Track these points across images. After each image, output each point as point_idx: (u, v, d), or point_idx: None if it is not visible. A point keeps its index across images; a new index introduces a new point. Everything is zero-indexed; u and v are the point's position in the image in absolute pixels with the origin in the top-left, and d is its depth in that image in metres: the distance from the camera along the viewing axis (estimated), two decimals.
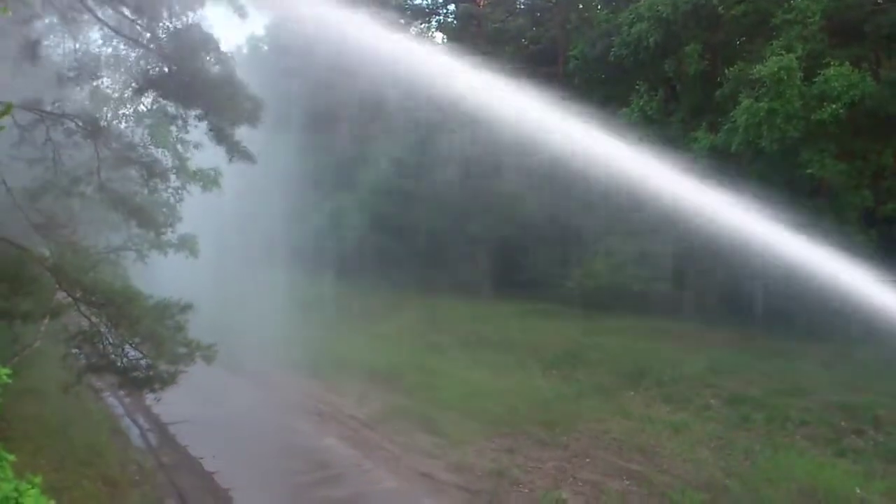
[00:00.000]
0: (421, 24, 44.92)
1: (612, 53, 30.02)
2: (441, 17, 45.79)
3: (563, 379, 24.01)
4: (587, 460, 17.03)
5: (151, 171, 17.40)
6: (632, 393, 21.81)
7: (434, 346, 28.58)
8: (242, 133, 15.42)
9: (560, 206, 30.32)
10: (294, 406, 23.10)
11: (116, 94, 23.11)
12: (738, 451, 17.02)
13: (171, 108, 17.63)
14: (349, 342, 29.73)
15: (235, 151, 15.54)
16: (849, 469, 15.57)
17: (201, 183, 23.71)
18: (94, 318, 14.70)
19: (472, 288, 36.71)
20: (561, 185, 29.70)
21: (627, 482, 15.70)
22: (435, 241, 37.18)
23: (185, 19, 18.52)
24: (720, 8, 27.90)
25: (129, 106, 23.31)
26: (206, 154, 21.52)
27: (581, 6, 39.47)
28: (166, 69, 14.83)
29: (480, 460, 17.23)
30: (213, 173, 23.76)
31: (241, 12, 14.56)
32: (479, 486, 15.86)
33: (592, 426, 19.21)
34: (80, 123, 15.32)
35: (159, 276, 24.68)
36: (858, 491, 14.31)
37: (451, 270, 37.49)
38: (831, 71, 23.34)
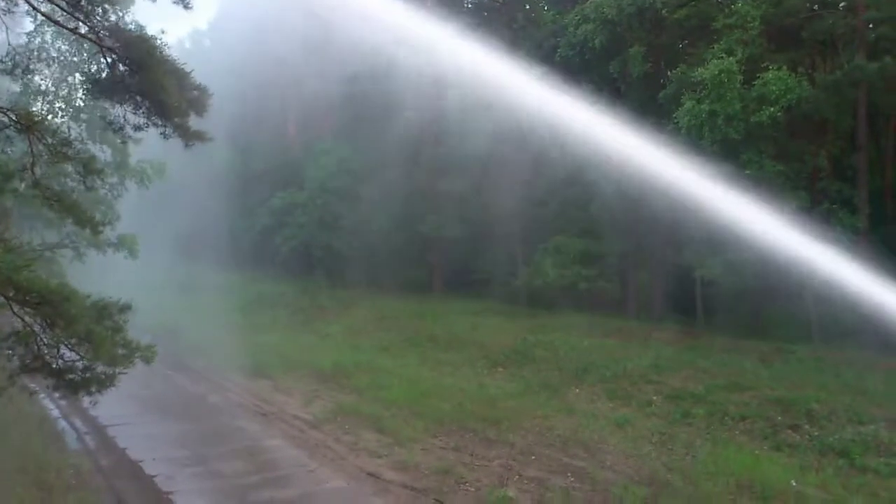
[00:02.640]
0: None
1: (558, 54, 30.31)
2: None
3: (510, 376, 24.19)
4: (532, 457, 17.14)
5: (88, 167, 16.94)
6: (577, 390, 22.08)
7: (382, 345, 28.52)
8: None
9: (508, 206, 30.59)
10: (239, 406, 22.77)
11: (53, 88, 22.49)
12: (679, 446, 17.36)
13: (111, 104, 17.18)
14: (296, 341, 29.47)
15: (189, 136, 14.99)
16: (785, 463, 16.01)
17: (138, 179, 23.18)
18: (27, 318, 14.20)
19: (421, 287, 36.79)
20: (509, 184, 30.00)
21: (572, 479, 15.84)
22: (384, 240, 37.13)
23: (123, 12, 18.15)
24: (664, 11, 28.45)
25: (65, 100, 22.65)
26: (149, 145, 21.01)
27: (528, 6, 39.76)
28: (106, 62, 14.42)
29: (427, 458, 17.21)
30: (152, 165, 23.24)
31: (185, 3, 14.20)
32: (424, 484, 15.82)
33: (538, 423, 19.37)
34: (14, 117, 14.83)
35: (101, 275, 24.11)
36: (794, 484, 14.69)
37: (400, 269, 37.53)
38: (769, 75, 23.98)
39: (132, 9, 18.63)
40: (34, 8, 14.78)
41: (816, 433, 17.17)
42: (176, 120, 13.85)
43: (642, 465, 16.41)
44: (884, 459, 15.60)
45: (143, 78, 13.04)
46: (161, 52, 13.15)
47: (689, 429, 18.44)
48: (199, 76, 13.85)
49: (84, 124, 22.25)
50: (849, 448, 16.11)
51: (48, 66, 21.92)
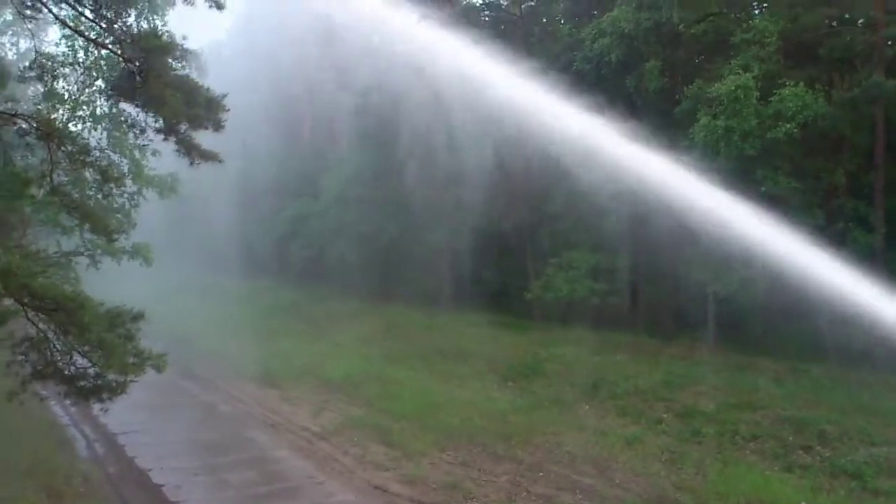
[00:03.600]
0: None
1: (574, 67, 30.28)
2: None
3: (520, 391, 24.07)
4: (540, 474, 17.06)
5: (107, 175, 17.07)
6: (587, 406, 21.95)
7: (392, 356, 28.46)
8: (205, 137, 15.14)
9: (521, 219, 30.51)
10: (248, 416, 22.81)
11: (74, 96, 22.66)
12: (689, 465, 17.22)
13: (131, 113, 17.30)
14: (306, 351, 29.47)
15: (197, 154, 15.06)
16: (796, 484, 15.87)
17: (158, 189, 23.30)
18: (41, 325, 14.30)
19: (432, 298, 36.68)
20: (522, 197, 29.97)
21: (580, 496, 15.76)
22: (396, 250, 37.11)
23: (149, 20, 18.32)
24: (680, 26, 28.38)
25: (86, 108, 22.82)
26: (167, 160, 21.20)
27: (545, 20, 39.81)
28: (127, 72, 14.52)
29: (434, 473, 17.17)
30: (169, 179, 23.37)
31: (217, 4, 14.18)
32: (432, 498, 15.80)
33: (547, 439, 19.28)
34: (34, 124, 14.97)
35: (116, 283, 24.23)
36: None
37: (411, 280, 37.44)
38: (786, 91, 23.85)
39: (169, 16, 18.78)
40: (55, 16, 14.96)
41: (828, 454, 17.01)
42: (181, 135, 13.90)
43: (652, 483, 16.30)
44: None
45: (146, 90, 13.12)
46: (167, 63, 13.18)
47: (699, 447, 18.29)
48: (216, 86, 13.90)
49: (104, 132, 22.39)
50: (861, 470, 15.95)
51: (74, 70, 22.12)
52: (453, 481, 16.52)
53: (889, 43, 25.99)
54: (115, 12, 13.64)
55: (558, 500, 15.61)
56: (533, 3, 40.37)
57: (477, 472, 17.29)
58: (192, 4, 13.63)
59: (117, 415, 17.34)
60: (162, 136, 14.12)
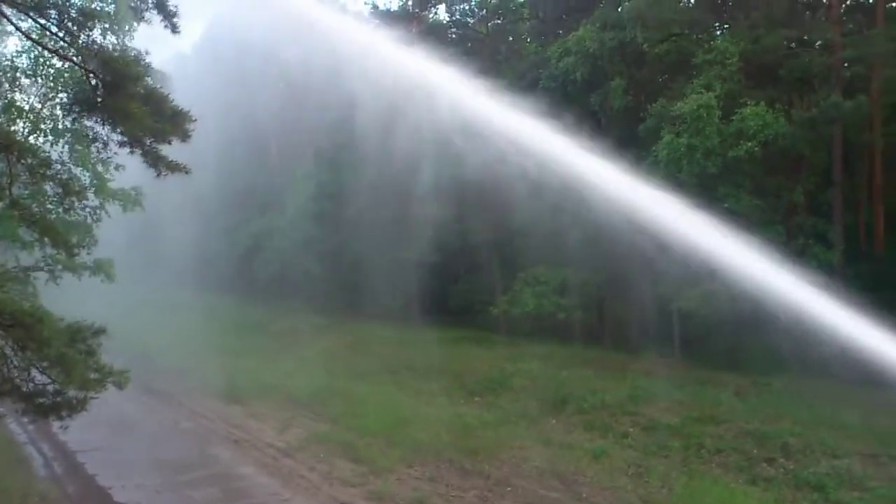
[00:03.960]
0: None
1: (540, 85, 30.62)
2: None
3: (487, 406, 24.05)
4: (508, 489, 17.04)
5: (67, 188, 16.78)
6: (553, 420, 22.02)
7: (358, 372, 28.28)
8: (171, 151, 14.95)
9: (488, 235, 30.62)
10: (212, 433, 22.45)
11: (36, 108, 22.26)
12: (655, 479, 17.34)
13: (93, 127, 17.03)
14: (271, 367, 29.13)
15: (164, 166, 14.82)
16: (760, 496, 16.06)
17: (121, 203, 22.91)
18: None
19: (399, 314, 36.54)
20: (489, 213, 30.08)
21: None
22: (362, 266, 36.99)
23: (113, 34, 18.10)
24: (644, 46, 28.90)
25: (48, 122, 22.41)
26: (131, 174, 20.85)
27: (511, 38, 40.25)
28: (90, 85, 14.31)
29: (401, 489, 17.05)
30: (133, 193, 23.01)
31: (172, 27, 14.12)
32: None
33: (514, 454, 19.27)
34: None
35: (77, 299, 23.76)
36: None
37: (377, 296, 37.27)
38: (747, 110, 24.40)
39: (134, 35, 18.53)
40: (15, 27, 14.73)
41: (792, 467, 17.24)
42: (146, 147, 13.72)
43: (618, 497, 16.37)
44: (857, 494, 15.70)
45: (111, 103, 12.95)
46: (132, 77, 13.03)
47: (665, 461, 18.43)
48: (182, 101, 13.76)
49: (66, 146, 21.99)
50: (823, 482, 16.20)
51: (35, 83, 21.75)
52: (421, 497, 16.42)
53: (846, 64, 26.75)
54: (78, 25, 13.48)
55: None
56: (500, 22, 40.84)
57: (444, 487, 17.21)
58: (149, 23, 13.56)
59: (77, 432, 16.97)
60: (127, 150, 13.92)
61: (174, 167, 14.15)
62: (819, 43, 27.61)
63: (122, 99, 13.09)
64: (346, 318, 36.91)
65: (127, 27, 18.01)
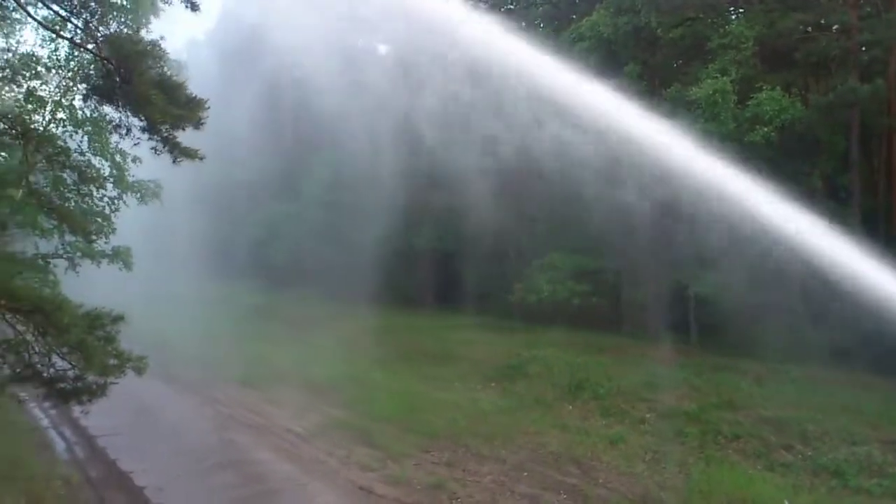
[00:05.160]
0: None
1: None
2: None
3: (503, 392, 24.10)
4: (525, 474, 17.08)
5: (84, 176, 16.90)
6: (570, 406, 22.04)
7: (375, 358, 28.37)
8: (186, 137, 15.00)
9: (504, 221, 30.59)
10: (230, 418, 22.61)
11: (55, 97, 22.35)
12: (672, 465, 17.32)
13: (113, 115, 17.09)
14: (287, 353, 29.29)
15: (179, 152, 14.87)
16: (778, 482, 16.01)
17: (139, 194, 23.03)
18: (19, 327, 14.12)
19: (415, 300, 36.69)
20: (506, 199, 30.03)
21: (564, 496, 15.78)
22: (378, 252, 37.04)
23: (128, 21, 18.15)
24: (658, 30, 28.64)
25: (66, 110, 22.51)
26: (147, 167, 20.93)
27: (524, 24, 39.96)
28: (107, 73, 14.37)
29: (419, 474, 17.12)
30: (152, 185, 23.12)
31: (192, 5, 14.09)
32: (416, 499, 15.74)
33: (531, 439, 19.31)
34: (11, 125, 14.80)
35: (95, 286, 23.96)
36: (787, 503, 14.70)
37: (393, 282, 37.37)
38: (763, 95, 24.18)
39: (153, 18, 18.54)
40: (30, 15, 14.80)
41: (810, 453, 17.21)
42: (164, 134, 13.76)
43: (635, 483, 16.37)
44: (877, 480, 15.65)
45: (131, 90, 12.98)
46: (150, 64, 13.06)
47: (682, 447, 18.41)
48: (195, 87, 13.79)
49: (86, 136, 22.09)
50: (842, 468, 16.16)
51: (54, 73, 21.84)
52: (438, 482, 16.49)
53: (863, 48, 26.43)
54: (93, 14, 13.53)
55: (542, 499, 15.62)
56: (512, 7, 40.57)
57: (461, 472, 17.27)
58: (169, 3, 13.56)
59: (98, 418, 17.17)
60: (147, 136, 13.98)
61: (189, 153, 14.18)
62: (835, 26, 27.26)
63: (143, 85, 13.13)
64: (362, 306, 36.96)
65: (143, 14, 18.05)
